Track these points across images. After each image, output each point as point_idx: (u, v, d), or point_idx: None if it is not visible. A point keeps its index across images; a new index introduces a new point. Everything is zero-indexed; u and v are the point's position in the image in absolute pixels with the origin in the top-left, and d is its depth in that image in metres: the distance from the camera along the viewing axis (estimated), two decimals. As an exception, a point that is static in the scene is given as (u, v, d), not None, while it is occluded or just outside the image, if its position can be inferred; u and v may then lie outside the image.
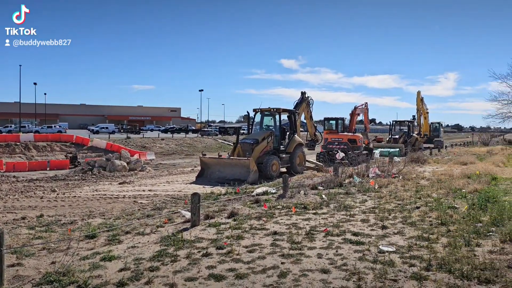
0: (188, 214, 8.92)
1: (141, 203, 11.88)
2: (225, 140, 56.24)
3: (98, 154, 32.74)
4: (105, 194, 13.40)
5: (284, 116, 21.42)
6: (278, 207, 10.24)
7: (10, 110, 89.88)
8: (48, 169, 24.94)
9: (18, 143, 34.27)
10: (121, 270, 5.78)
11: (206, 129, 78.91)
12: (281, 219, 8.84)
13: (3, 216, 10.06)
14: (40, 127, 69.15)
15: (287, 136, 20.54)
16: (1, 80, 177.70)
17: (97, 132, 66.09)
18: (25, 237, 7.89)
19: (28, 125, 71.57)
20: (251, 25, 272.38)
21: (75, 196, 13.03)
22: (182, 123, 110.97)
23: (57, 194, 13.59)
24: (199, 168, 19.38)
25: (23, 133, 46.91)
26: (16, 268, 5.91)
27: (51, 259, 6.38)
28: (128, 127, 79.44)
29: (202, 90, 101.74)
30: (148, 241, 7.32)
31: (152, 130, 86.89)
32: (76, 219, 9.64)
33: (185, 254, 6.38)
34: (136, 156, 26.52)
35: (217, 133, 72.82)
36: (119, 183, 16.36)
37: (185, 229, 8.09)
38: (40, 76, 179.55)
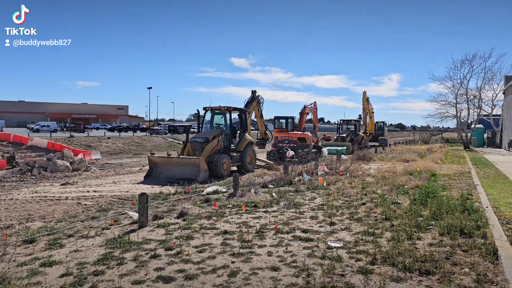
0: (135, 215, 8.65)
1: (85, 204, 11.36)
2: (174, 139, 55.35)
3: (39, 154, 30.98)
4: (45, 196, 12.68)
5: (235, 115, 21.40)
6: (229, 206, 10.20)
7: None
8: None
9: None
10: (62, 275, 5.49)
11: (155, 128, 77.26)
12: (232, 218, 8.80)
13: None
14: (-27, 125, 64.46)
15: (237, 135, 20.53)
16: None
17: (37, 131, 62.78)
18: (-46, 244, 7.28)
19: (-41, 123, 66.56)
20: (202, 23, 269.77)
21: (12, 199, 12.20)
22: (130, 121, 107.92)
23: (-8, 196, 12.66)
24: (148, 167, 18.89)
25: (-47, 131, 43.49)
26: None
27: (-16, 267, 5.93)
28: (72, 125, 76.07)
29: (150, 87, 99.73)
30: (92, 244, 7.01)
31: (97, 128, 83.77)
32: (13, 223, 9.03)
33: (132, 257, 6.18)
34: (80, 156, 25.39)
35: (167, 132, 71.54)
36: (61, 184, 15.56)
37: (133, 231, 7.84)
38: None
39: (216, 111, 20.64)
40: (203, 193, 12.23)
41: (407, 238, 6.95)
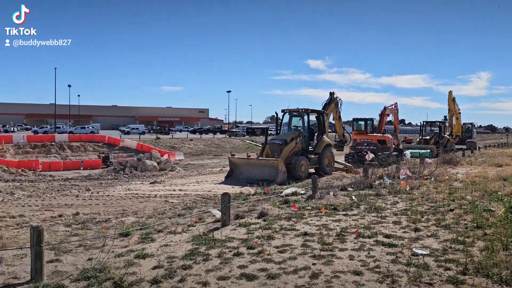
0: (218, 214, 9.02)
1: (172, 202, 12.08)
2: (252, 141, 56.43)
3: (129, 154, 33.48)
4: (137, 193, 13.71)
5: (313, 117, 21.31)
6: (308, 208, 10.19)
7: (46, 112, 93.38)
8: (81, 168, 25.71)
9: (53, 143, 35.48)
10: (154, 267, 5.90)
11: (233, 130, 79.39)
12: (311, 220, 8.80)
13: (41, 214, 10.46)
14: (74, 128, 71.37)
15: (315, 137, 20.43)
16: (37, 82, 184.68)
17: (128, 133, 67.65)
18: (62, 234, 8.19)
19: (62, 126, 74.03)
20: (278, 26, 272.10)
21: (108, 195, 13.38)
22: (211, 123, 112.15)
23: (92, 193, 14.02)
24: (228, 168, 19.53)
25: (58, 133, 48.53)
26: (55, 264, 6.13)
27: (87, 256, 6.58)
28: (158, 127, 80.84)
29: (230, 91, 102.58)
30: (180, 240, 7.44)
31: (181, 130, 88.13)
32: (110, 217, 9.90)
33: (217, 253, 6.45)
34: (165, 156, 26.97)
35: (245, 134, 73.12)
36: (150, 183, 16.70)
37: (216, 229, 8.17)
38: (74, 78, 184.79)
39: (294, 113, 20.72)
40: (282, 194, 12.36)
41: (503, 249, 6.43)
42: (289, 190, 12.92)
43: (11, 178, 17.38)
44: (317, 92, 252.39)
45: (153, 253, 6.64)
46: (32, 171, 20.23)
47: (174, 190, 14.76)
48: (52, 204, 12.00)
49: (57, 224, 9.22)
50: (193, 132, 79.83)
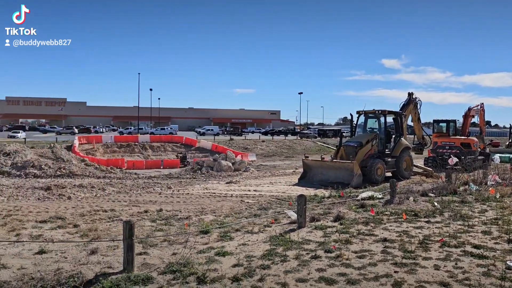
0: (294, 216, 9.05)
1: (248, 202, 12.34)
2: (324, 143, 55.71)
3: (205, 155, 34.75)
4: (214, 193, 14.22)
5: (390, 119, 20.55)
6: (386, 213, 9.86)
7: (130, 114, 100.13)
8: (161, 167, 27.19)
9: (136, 143, 37.96)
10: (234, 265, 6.08)
11: (305, 132, 79.00)
12: (390, 226, 8.51)
13: (129, 209, 11.26)
14: (154, 129, 75.71)
15: (392, 139, 19.68)
16: (122, 86, 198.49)
17: (203, 134, 70.27)
18: (148, 229, 8.74)
19: (144, 127, 78.88)
20: (351, 25, 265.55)
21: (188, 193, 14.04)
22: (281, 125, 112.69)
23: (173, 191, 14.82)
24: (301, 170, 19.50)
25: (141, 134, 51.80)
26: (143, 257, 6.55)
27: (172, 251, 6.95)
28: (231, 129, 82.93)
29: (301, 92, 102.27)
30: (257, 240, 7.58)
31: (253, 132, 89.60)
32: (190, 215, 10.38)
33: (294, 255, 6.49)
34: (239, 157, 27.61)
35: (316, 135, 72.43)
36: (226, 183, 17.21)
37: (292, 230, 8.21)
38: (155, 82, 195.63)
39: (370, 115, 20.14)
40: (358, 198, 12.09)
41: None
42: (365, 194, 12.59)
43: (102, 175, 18.91)
44: (392, 92, 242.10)
45: (232, 251, 6.85)
46: (119, 169, 21.81)
47: (249, 190, 15.07)
48: (138, 200, 12.87)
49: (143, 219, 9.86)
50: (265, 133, 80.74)
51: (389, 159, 18.94)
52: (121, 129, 78.51)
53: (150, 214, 10.51)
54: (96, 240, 7.56)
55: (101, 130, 77.75)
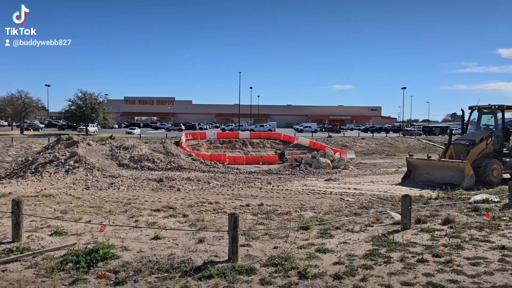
0: (397, 216, 8.69)
1: (348, 200, 12.13)
2: (430, 141, 52.16)
3: (302, 151, 34.84)
4: (313, 189, 14.24)
5: (508, 115, 18.49)
6: (504, 218, 8.95)
7: (231, 111, 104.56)
8: (260, 163, 27.92)
9: (237, 140, 39.50)
10: (335, 263, 6.06)
11: (408, 129, 74.79)
12: (510, 233, 7.71)
13: (232, 202, 11.81)
14: (254, 126, 78.03)
15: (511, 138, 17.69)
16: (225, 85, 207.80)
17: (301, 131, 70.50)
18: (250, 222, 9.09)
19: (244, 124, 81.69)
20: (462, 12, 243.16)
21: (287, 189, 14.27)
22: (382, 122, 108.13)
23: (272, 186, 15.17)
24: (405, 169, 18.55)
25: (241, 131, 53.80)
26: (246, 248, 6.84)
27: (273, 244, 7.15)
28: (329, 126, 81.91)
29: (404, 87, 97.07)
30: (358, 239, 7.44)
31: (352, 129, 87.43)
32: (290, 210, 10.54)
33: (399, 257, 6.24)
34: (338, 155, 27.17)
35: (421, 133, 68.10)
36: (325, 180, 17.09)
37: (396, 231, 7.89)
38: (255, 80, 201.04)
39: (485, 110, 18.34)
40: (470, 200, 11.15)
41: None
42: (479, 196, 11.55)
43: (207, 169, 20.07)
44: (510, 85, 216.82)
45: (333, 249, 6.82)
46: (222, 164, 22.94)
47: (348, 188, 14.79)
48: (240, 194, 13.43)
49: (245, 212, 10.27)
50: (365, 130, 78.22)
51: (508, 160, 17.08)
52: (223, 126, 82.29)
53: (252, 208, 10.90)
54: (203, 230, 8.08)
55: (205, 127, 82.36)
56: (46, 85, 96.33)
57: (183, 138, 37.71)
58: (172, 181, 15.53)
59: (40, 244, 6.93)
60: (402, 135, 61.35)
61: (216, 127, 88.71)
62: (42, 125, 73.75)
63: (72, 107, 56.54)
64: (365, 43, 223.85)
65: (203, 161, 22.26)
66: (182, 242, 7.25)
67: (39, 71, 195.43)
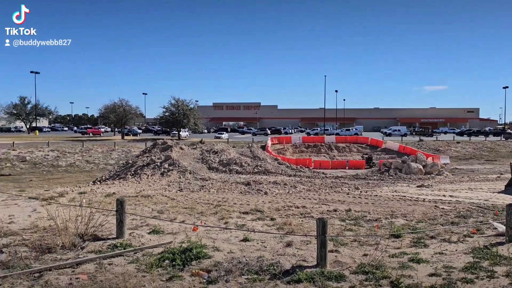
0: (501, 227, 7.95)
1: (443, 208, 11.37)
2: (540, 145, 46.70)
3: (391, 156, 33.33)
4: (404, 196, 13.58)
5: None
6: None
7: (316, 115, 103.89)
8: (347, 168, 27.28)
9: (322, 144, 39.07)
10: (431, 275, 5.72)
11: (510, 132, 67.81)
12: None
13: (319, 207, 11.72)
14: (340, 130, 76.63)
15: None
16: (309, 89, 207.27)
17: (389, 135, 67.58)
18: (338, 228, 8.94)
19: (330, 128, 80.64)
20: None
21: (376, 195, 13.78)
22: (481, 125, 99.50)
23: (360, 191, 14.77)
24: (508, 175, 16.88)
25: (326, 135, 53.14)
26: (335, 254, 6.75)
27: (362, 252, 6.96)
28: (420, 129, 77.37)
29: (506, 87, 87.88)
30: (456, 250, 6.95)
31: (445, 132, 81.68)
32: (379, 217, 10.17)
33: (504, 272, 5.72)
34: (430, 159, 25.57)
35: (527, 136, 61.28)
36: (417, 186, 16.21)
37: (500, 244, 7.23)
38: (341, 83, 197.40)
39: None
40: None
41: None
42: None
43: (293, 173, 20.17)
44: None
45: (428, 259, 6.44)
46: (307, 168, 22.87)
47: (443, 195, 13.86)
48: (327, 199, 13.27)
49: (333, 217, 10.13)
50: (460, 134, 72.56)
51: None
52: (308, 130, 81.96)
53: (339, 213, 10.71)
54: (290, 234, 8.14)
55: (290, 131, 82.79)
56: (143, 93, 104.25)
57: (269, 143, 38.25)
58: (259, 185, 15.86)
59: (140, 241, 7.50)
60: (504, 139, 55.85)
61: (301, 131, 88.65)
62: (140, 131, 79.77)
63: (166, 114, 60.50)
64: (458, 42, 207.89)
65: (289, 165, 22.40)
66: (270, 245, 7.37)
67: (137, 80, 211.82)
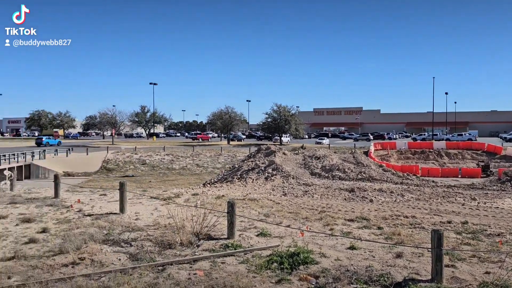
0: None
1: None
2: None
3: (512, 164, 29.93)
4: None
5: None
6: None
7: (423, 120, 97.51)
8: (459, 176, 25.17)
9: (431, 150, 36.58)
10: None
11: None
12: None
13: (430, 217, 11.02)
14: (450, 135, 70.93)
15: None
16: (415, 92, 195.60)
17: (510, 140, 60.67)
18: (453, 241, 8.32)
19: (439, 133, 75.04)
20: None
21: (497, 207, 12.52)
22: None
23: (478, 203, 13.54)
24: None
25: (435, 141, 49.61)
26: (451, 270, 6.30)
27: (484, 269, 6.39)
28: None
29: None
30: None
31: None
32: (502, 232, 9.23)
33: None
34: None
35: None
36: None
37: None
38: (452, 85, 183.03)
39: None
40: None
41: None
42: None
43: (399, 181, 19.23)
44: None
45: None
46: (415, 176, 21.60)
47: None
48: (439, 209, 12.42)
49: (447, 230, 9.44)
50: None
51: None
52: (414, 136, 77.36)
53: (454, 226, 9.95)
54: (400, 244, 7.79)
55: (394, 137, 78.96)
56: (247, 100, 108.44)
57: (372, 148, 37.02)
58: (364, 192, 15.45)
59: (249, 242, 7.82)
60: None
61: (406, 136, 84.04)
62: (244, 136, 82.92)
63: (269, 120, 62.06)
64: None
65: (394, 172, 21.42)
66: (379, 255, 7.15)
67: (241, 87, 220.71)
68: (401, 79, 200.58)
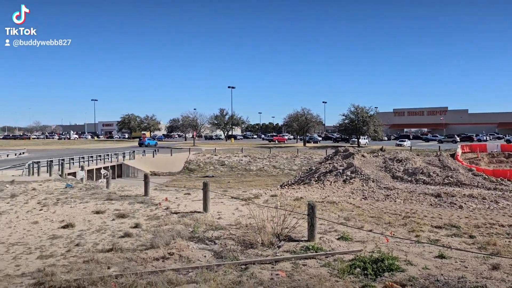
0: None
1: None
2: None
3: None
4: None
5: None
6: None
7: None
8: None
9: (529, 153, 33.17)
10: None
11: None
12: None
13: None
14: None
15: None
16: (508, 90, 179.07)
17: None
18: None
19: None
20: None
21: None
22: None
23: None
24: None
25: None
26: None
27: None
28: None
29: None
30: None
31: None
32: None
33: None
34: None
35: None
36: None
37: None
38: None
39: None
40: None
41: None
42: None
43: (492, 186, 17.72)
44: None
45: None
46: (510, 181, 19.74)
47: None
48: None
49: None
50: None
51: None
52: (508, 137, 70.83)
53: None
54: (495, 255, 7.21)
55: (485, 138, 72.97)
56: (323, 102, 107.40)
57: (459, 151, 34.54)
58: (452, 197, 14.47)
59: (330, 246, 7.73)
60: None
61: (499, 138, 77.19)
62: (320, 138, 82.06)
63: (346, 121, 60.78)
64: None
65: (486, 177, 19.77)
66: (472, 265, 6.67)
67: (317, 90, 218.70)
68: (491, 76, 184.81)
